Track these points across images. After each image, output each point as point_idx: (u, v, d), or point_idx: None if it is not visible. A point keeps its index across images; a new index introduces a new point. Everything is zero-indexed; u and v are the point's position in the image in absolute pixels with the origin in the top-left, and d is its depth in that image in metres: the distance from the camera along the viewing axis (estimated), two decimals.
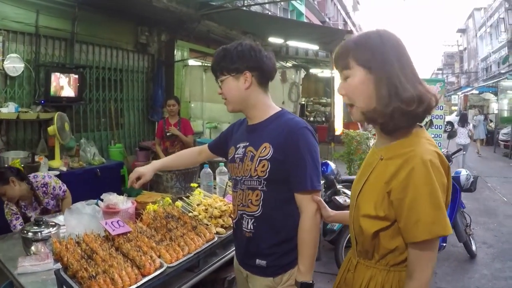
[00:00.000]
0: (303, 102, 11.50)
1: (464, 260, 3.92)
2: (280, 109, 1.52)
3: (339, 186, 3.88)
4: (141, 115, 6.37)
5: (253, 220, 1.45)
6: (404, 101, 0.98)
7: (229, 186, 2.43)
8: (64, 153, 4.43)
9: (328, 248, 3.86)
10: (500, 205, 6.18)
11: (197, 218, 1.94)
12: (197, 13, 5.93)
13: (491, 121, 15.05)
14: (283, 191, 1.41)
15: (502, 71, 19.27)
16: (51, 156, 4.22)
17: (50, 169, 3.88)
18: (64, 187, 2.81)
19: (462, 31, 34.90)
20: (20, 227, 2.41)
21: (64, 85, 4.57)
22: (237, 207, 1.52)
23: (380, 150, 1.10)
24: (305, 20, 14.83)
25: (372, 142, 5.36)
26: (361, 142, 5.55)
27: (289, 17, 14.17)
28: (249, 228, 1.46)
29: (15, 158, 3.72)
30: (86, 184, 3.97)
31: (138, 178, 1.77)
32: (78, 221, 1.87)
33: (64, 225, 1.97)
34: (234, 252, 1.65)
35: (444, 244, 3.67)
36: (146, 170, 1.78)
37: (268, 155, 1.39)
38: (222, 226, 1.96)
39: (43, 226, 1.85)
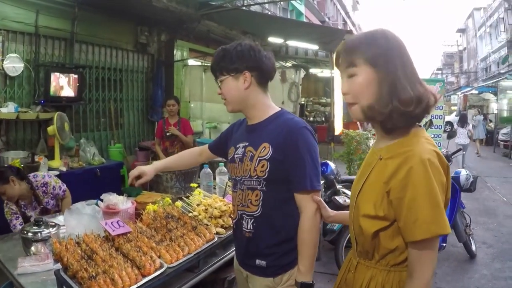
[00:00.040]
0: (302, 102, 11.49)
1: (464, 260, 3.92)
2: (280, 109, 1.52)
3: (339, 186, 3.88)
4: (141, 115, 6.37)
5: (252, 220, 1.45)
6: (402, 101, 0.98)
7: (229, 186, 2.43)
8: (64, 153, 4.43)
9: (328, 248, 3.86)
10: (500, 205, 6.18)
11: (197, 218, 1.94)
12: (197, 13, 5.93)
13: (490, 121, 15.06)
14: (282, 191, 1.41)
15: (502, 71, 19.27)
16: (50, 156, 4.22)
17: (49, 169, 3.88)
18: (64, 186, 2.81)
19: (462, 31, 34.93)
20: (20, 226, 2.41)
21: (63, 85, 4.57)
22: (236, 207, 1.52)
23: (379, 150, 1.10)
24: (305, 20, 14.83)
25: (371, 142, 5.36)
26: (360, 142, 5.54)
27: (288, 17, 14.17)
28: (248, 228, 1.46)
29: (15, 158, 3.71)
30: (86, 184, 3.96)
31: (139, 177, 1.77)
32: (78, 221, 1.87)
33: (64, 226, 1.97)
34: (234, 253, 1.65)
35: (444, 244, 3.67)
36: (148, 169, 1.78)
37: (268, 155, 1.39)
38: (222, 226, 1.97)
39: (43, 227, 1.85)
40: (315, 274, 1.46)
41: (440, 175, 0.98)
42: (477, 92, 19.99)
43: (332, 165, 4.10)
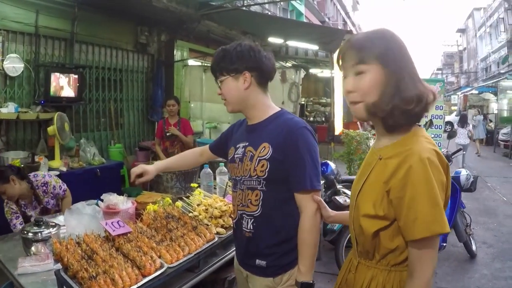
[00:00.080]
0: (303, 102, 11.50)
1: (464, 260, 3.92)
2: (280, 109, 1.52)
3: (339, 186, 3.88)
4: (141, 115, 6.37)
5: (252, 220, 1.45)
6: (404, 100, 0.99)
7: (229, 186, 2.43)
8: (64, 153, 4.43)
9: (328, 248, 3.86)
10: (500, 205, 6.18)
11: (197, 218, 1.94)
12: (197, 13, 5.93)
13: (490, 121, 15.06)
14: (282, 191, 1.41)
15: (502, 71, 19.27)
16: (51, 156, 4.22)
17: (50, 169, 3.88)
18: (64, 186, 2.82)
19: (462, 31, 34.93)
20: (20, 226, 2.41)
21: (64, 85, 4.57)
22: (236, 207, 1.52)
23: (379, 150, 1.10)
24: (305, 20, 14.84)
25: (371, 142, 5.36)
26: (361, 142, 5.54)
27: (288, 17, 14.18)
28: (249, 228, 1.46)
29: (15, 158, 3.72)
30: (86, 184, 3.96)
31: (140, 175, 1.77)
32: (78, 221, 1.87)
33: (64, 226, 1.97)
34: (234, 252, 1.66)
35: (444, 244, 3.67)
36: (150, 169, 1.78)
37: (267, 155, 1.39)
38: (222, 226, 1.97)
39: (43, 227, 1.85)
40: (315, 274, 1.46)
41: (439, 174, 0.98)
42: (477, 92, 19.99)
43: (332, 165, 4.10)
